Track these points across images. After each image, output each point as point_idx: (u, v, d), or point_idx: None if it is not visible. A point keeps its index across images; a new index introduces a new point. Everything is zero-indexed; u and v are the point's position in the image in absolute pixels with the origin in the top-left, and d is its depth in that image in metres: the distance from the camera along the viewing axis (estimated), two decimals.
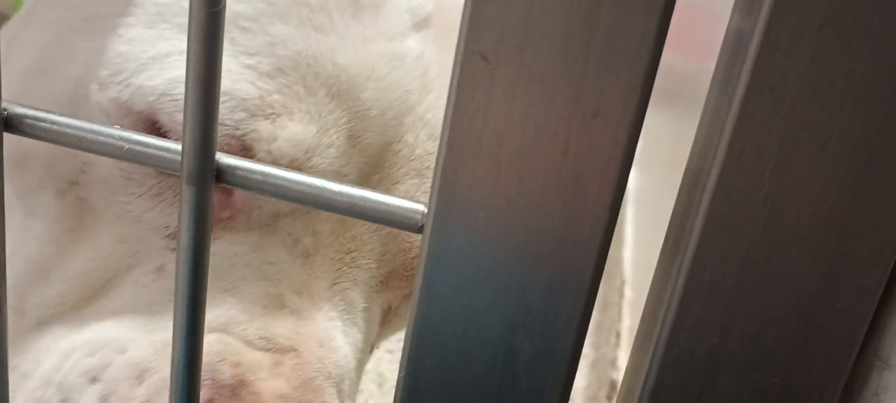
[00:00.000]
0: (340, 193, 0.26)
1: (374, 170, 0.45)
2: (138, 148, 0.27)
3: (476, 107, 0.23)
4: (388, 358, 1.27)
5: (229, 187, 0.43)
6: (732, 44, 0.23)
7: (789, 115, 0.22)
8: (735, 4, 0.24)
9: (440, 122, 0.44)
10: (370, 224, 0.45)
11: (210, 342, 0.40)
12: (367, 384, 1.23)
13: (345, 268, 0.45)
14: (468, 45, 0.22)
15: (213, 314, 0.42)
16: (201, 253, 0.27)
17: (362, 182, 0.44)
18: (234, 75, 0.40)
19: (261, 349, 0.41)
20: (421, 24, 0.46)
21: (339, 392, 0.43)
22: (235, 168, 0.26)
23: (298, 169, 0.42)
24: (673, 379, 0.24)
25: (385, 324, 0.50)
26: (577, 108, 0.22)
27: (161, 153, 0.27)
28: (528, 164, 0.23)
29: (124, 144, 0.27)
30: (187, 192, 0.26)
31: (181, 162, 0.26)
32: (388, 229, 0.45)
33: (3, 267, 0.29)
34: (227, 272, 0.43)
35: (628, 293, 1.13)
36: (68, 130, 0.27)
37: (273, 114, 0.41)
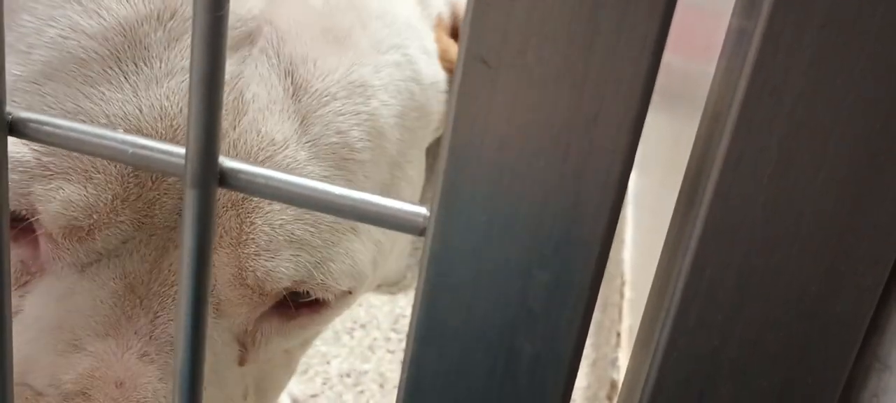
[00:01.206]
0: (342, 197, 0.26)
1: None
2: (142, 152, 0.27)
3: (477, 111, 0.23)
4: (389, 359, 1.28)
5: (37, 241, 0.45)
6: (732, 45, 0.24)
7: (790, 116, 0.22)
8: (735, 5, 0.24)
9: (260, 145, 0.44)
10: None
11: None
12: (369, 384, 1.23)
13: (166, 302, 0.46)
14: (469, 49, 0.22)
15: (16, 366, 0.43)
16: (205, 255, 0.27)
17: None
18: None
19: (47, 396, 0.42)
20: (240, 43, 0.46)
21: None
22: (239, 172, 0.26)
23: (88, 231, 0.43)
24: (673, 381, 0.25)
25: (253, 346, 0.51)
26: (578, 112, 0.22)
27: (165, 157, 0.27)
28: (529, 167, 0.23)
29: (128, 148, 0.27)
30: (191, 196, 0.26)
31: (185, 165, 0.26)
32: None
33: (7, 271, 0.29)
34: (31, 324, 0.45)
35: (628, 293, 1.14)
36: (73, 134, 0.27)
37: (48, 174, 0.42)
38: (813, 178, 0.22)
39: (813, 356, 0.24)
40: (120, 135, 0.27)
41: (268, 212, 0.45)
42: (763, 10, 0.21)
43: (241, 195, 0.44)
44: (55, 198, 0.42)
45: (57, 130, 0.28)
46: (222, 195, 0.44)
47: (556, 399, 0.26)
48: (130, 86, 0.43)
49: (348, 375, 1.22)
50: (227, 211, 0.45)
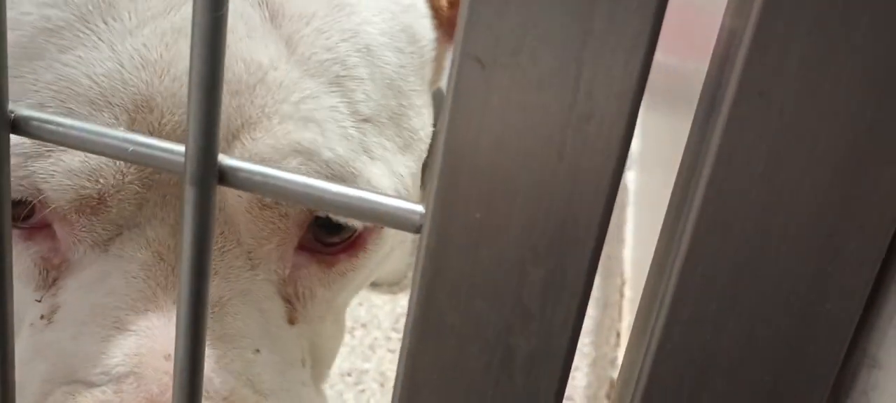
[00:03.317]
0: (339, 194, 0.27)
1: None
2: (143, 150, 0.27)
3: (472, 111, 0.23)
4: (390, 358, 1.28)
5: (53, 233, 0.45)
6: (724, 46, 0.24)
7: (778, 119, 0.22)
8: (727, 7, 0.25)
9: (248, 70, 0.44)
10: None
11: (59, 401, 0.42)
12: (370, 383, 1.24)
13: None
14: (464, 49, 0.23)
15: (62, 366, 0.43)
16: (204, 254, 0.27)
17: None
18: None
19: (100, 385, 0.42)
20: None
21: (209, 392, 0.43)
22: (238, 170, 0.27)
23: (99, 200, 0.43)
24: (667, 373, 0.25)
25: (298, 300, 0.50)
26: (571, 111, 0.23)
27: (165, 155, 0.27)
28: (524, 166, 0.24)
29: (129, 146, 0.27)
30: (191, 193, 0.26)
31: (184, 163, 0.26)
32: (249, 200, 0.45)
33: (9, 272, 0.30)
34: (70, 319, 0.45)
35: (628, 292, 1.14)
36: (74, 132, 0.28)
37: (46, 151, 0.42)
38: (801, 178, 0.22)
39: (804, 352, 0.24)
40: (121, 133, 0.28)
41: (268, 126, 0.44)
42: (752, 13, 0.21)
43: (242, 120, 0.44)
44: (57, 170, 0.42)
45: (59, 128, 0.28)
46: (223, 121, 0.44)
47: (549, 396, 0.26)
48: (105, 43, 0.43)
49: (349, 374, 1.23)
50: (229, 142, 0.44)
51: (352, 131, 0.47)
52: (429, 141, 0.57)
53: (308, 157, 0.45)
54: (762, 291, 0.24)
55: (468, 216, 0.25)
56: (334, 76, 0.46)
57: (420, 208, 0.26)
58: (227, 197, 0.45)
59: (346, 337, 1.32)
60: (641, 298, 0.27)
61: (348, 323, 1.35)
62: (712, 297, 0.24)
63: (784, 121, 0.22)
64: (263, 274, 0.48)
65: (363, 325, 1.34)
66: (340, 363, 1.25)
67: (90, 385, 0.42)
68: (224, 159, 0.27)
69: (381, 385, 1.22)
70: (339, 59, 0.47)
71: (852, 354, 0.25)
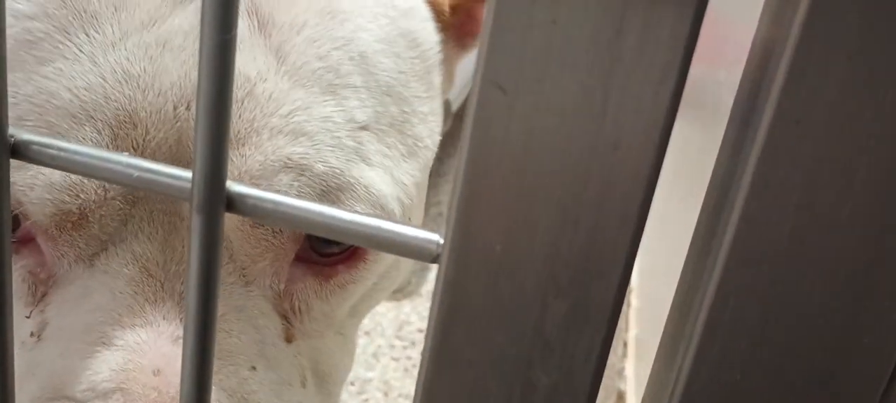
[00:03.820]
0: (352, 222, 0.26)
1: None
2: (148, 176, 0.26)
3: (494, 139, 0.22)
4: (393, 366, 1.27)
5: (39, 246, 0.43)
6: (755, 73, 0.23)
7: (815, 148, 0.21)
8: (758, 30, 0.24)
9: (236, 83, 0.42)
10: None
11: None
12: (373, 392, 1.23)
13: None
14: (486, 75, 0.22)
15: (48, 382, 0.42)
16: (212, 282, 0.26)
17: None
18: None
19: (86, 401, 0.41)
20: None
21: None
22: (246, 196, 0.26)
23: (80, 216, 0.42)
24: None
25: (295, 316, 0.48)
26: (597, 140, 0.22)
27: (171, 181, 0.26)
28: (546, 196, 0.23)
29: (134, 172, 0.26)
30: (197, 221, 0.25)
31: (191, 190, 0.25)
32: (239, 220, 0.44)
33: (8, 284, 0.29)
34: (58, 336, 0.43)
35: (635, 302, 1.13)
36: (76, 157, 0.27)
37: (21, 166, 0.41)
38: (839, 210, 0.21)
39: (839, 389, 0.23)
40: (125, 158, 0.27)
41: (257, 142, 0.43)
42: (788, 41, 0.20)
43: (230, 135, 0.43)
44: (36, 184, 0.41)
45: (60, 153, 0.27)
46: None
47: None
48: (87, 56, 0.42)
49: (353, 383, 1.22)
50: None
51: (347, 140, 0.45)
52: (436, 149, 0.56)
53: (300, 172, 0.43)
54: (795, 327, 0.23)
55: (488, 246, 0.24)
56: (327, 85, 0.45)
57: (437, 237, 0.25)
58: None
59: None
60: (662, 339, 0.26)
61: None
62: (743, 334, 0.23)
63: (820, 151, 0.21)
64: (258, 290, 0.46)
65: (366, 333, 1.33)
66: None
67: (77, 402, 0.41)
68: (232, 186, 0.26)
69: (385, 394, 1.21)
70: (332, 68, 0.45)
71: (890, 391, 0.24)
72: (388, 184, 0.48)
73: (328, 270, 0.49)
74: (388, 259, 0.52)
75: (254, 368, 0.45)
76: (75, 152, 0.27)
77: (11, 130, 0.27)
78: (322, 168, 0.44)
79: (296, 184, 0.43)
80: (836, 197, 0.21)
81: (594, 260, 0.23)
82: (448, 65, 0.58)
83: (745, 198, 0.22)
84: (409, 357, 1.25)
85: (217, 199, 0.25)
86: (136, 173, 0.26)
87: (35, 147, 0.27)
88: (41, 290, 0.45)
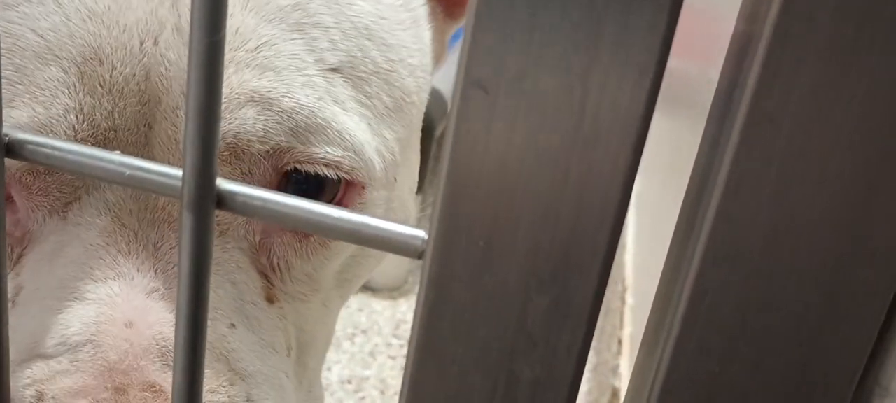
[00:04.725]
0: (340, 219, 0.26)
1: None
2: (139, 174, 0.27)
3: (476, 137, 0.23)
4: (390, 364, 1.28)
5: (16, 205, 0.43)
6: (731, 71, 0.23)
7: (788, 145, 0.22)
8: (735, 27, 0.24)
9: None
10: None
11: (19, 378, 0.40)
12: (370, 390, 1.23)
13: (164, 229, 0.43)
14: (467, 75, 0.22)
15: (23, 343, 0.41)
16: (202, 280, 0.27)
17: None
18: None
19: (57, 356, 0.40)
20: None
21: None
22: (236, 194, 0.26)
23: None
24: None
25: (274, 274, 0.47)
26: (577, 137, 0.22)
27: (161, 179, 0.27)
28: (528, 192, 0.23)
29: (125, 170, 0.27)
30: (187, 219, 0.26)
31: (181, 188, 0.26)
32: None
33: (3, 276, 0.29)
34: (33, 296, 0.43)
35: (630, 299, 1.13)
36: (70, 156, 0.27)
37: None
38: (811, 206, 0.22)
39: (814, 382, 0.24)
40: (117, 156, 0.27)
41: (224, 74, 0.42)
42: (762, 39, 0.21)
43: None
44: (6, 124, 0.41)
45: (55, 151, 0.28)
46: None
47: None
48: None
49: (349, 381, 1.22)
50: (181, 94, 0.42)
51: (317, 79, 0.44)
52: (424, 108, 0.54)
53: (266, 106, 0.42)
54: (771, 321, 0.23)
55: (471, 243, 0.24)
56: (295, 23, 0.44)
57: (422, 233, 0.25)
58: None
59: (346, 344, 1.31)
60: (646, 328, 0.27)
61: (348, 329, 1.35)
62: (720, 327, 0.23)
63: (794, 147, 0.22)
64: (233, 240, 0.45)
65: (363, 332, 1.33)
66: (340, 370, 1.25)
67: (49, 358, 0.41)
68: (222, 183, 0.26)
69: (382, 392, 1.21)
70: (300, 6, 0.44)
71: (864, 384, 0.24)
72: (364, 131, 0.46)
73: None
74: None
75: (233, 325, 0.44)
76: (69, 151, 0.27)
77: (6, 130, 0.27)
78: (290, 103, 0.43)
79: (262, 118, 0.42)
80: (810, 192, 0.22)
81: (575, 255, 0.24)
82: (439, 35, 0.57)
83: (721, 193, 0.22)
84: (405, 356, 1.26)
85: (207, 197, 0.26)
86: (128, 171, 0.27)
87: (30, 146, 0.28)
88: (17, 252, 0.45)
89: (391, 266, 1.43)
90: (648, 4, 0.21)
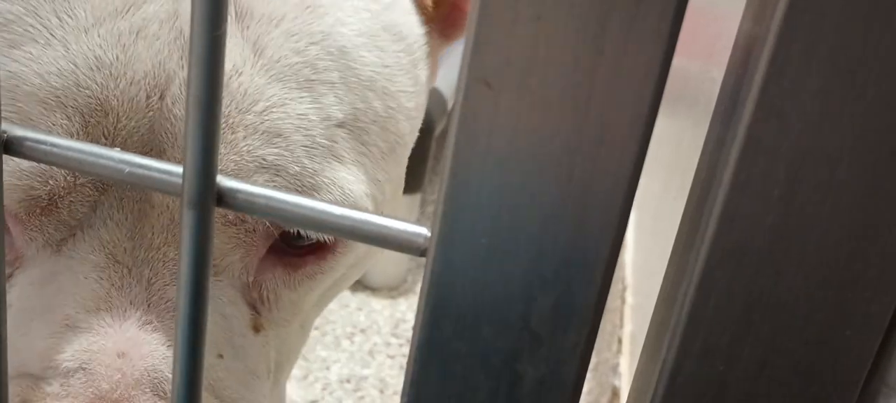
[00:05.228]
0: (343, 217, 0.26)
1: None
2: (139, 171, 0.27)
3: (479, 134, 0.22)
4: (389, 364, 1.27)
5: (9, 227, 0.43)
6: (737, 68, 0.23)
7: (796, 143, 0.21)
8: (742, 23, 0.24)
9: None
10: (167, 210, 0.44)
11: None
12: (369, 390, 1.23)
13: (158, 266, 0.43)
14: (472, 71, 0.22)
15: (11, 365, 0.41)
16: (203, 278, 0.26)
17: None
18: None
19: (47, 378, 0.40)
20: None
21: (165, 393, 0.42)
22: (237, 191, 0.26)
23: (49, 201, 0.41)
24: None
25: (263, 305, 0.48)
26: (581, 135, 0.22)
27: (162, 176, 0.26)
28: (532, 190, 0.23)
29: (125, 167, 0.27)
30: (188, 217, 0.26)
31: (182, 185, 0.26)
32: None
33: (2, 274, 0.29)
34: (20, 315, 0.43)
35: (630, 298, 1.13)
36: (69, 153, 0.27)
37: None
38: (819, 204, 0.22)
39: (820, 382, 0.23)
40: (117, 153, 0.27)
41: (232, 140, 0.42)
42: (769, 36, 0.20)
43: None
44: (5, 169, 0.40)
45: (53, 149, 0.27)
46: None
47: None
48: (59, 40, 0.41)
49: (348, 380, 1.22)
50: None
51: (321, 139, 0.45)
52: (412, 144, 0.55)
53: (275, 173, 0.43)
54: (777, 320, 0.23)
55: (474, 239, 0.24)
56: (304, 80, 0.44)
57: (425, 231, 0.25)
58: None
59: (345, 343, 1.31)
60: (649, 328, 0.27)
61: (347, 328, 1.34)
62: (725, 328, 0.23)
63: (802, 145, 0.21)
64: (226, 279, 0.46)
65: (362, 331, 1.33)
66: (339, 369, 1.24)
67: (37, 379, 0.41)
68: (223, 181, 0.26)
69: (381, 391, 1.21)
70: (310, 63, 0.45)
71: (871, 382, 0.24)
72: (362, 182, 0.47)
73: (297, 260, 0.48)
74: (359, 250, 0.51)
75: (221, 356, 0.45)
76: (68, 148, 0.27)
77: (4, 126, 0.27)
78: (296, 169, 0.44)
79: (271, 184, 0.43)
80: (817, 190, 0.22)
81: (579, 253, 0.23)
82: (433, 56, 0.57)
83: (727, 191, 0.22)
84: (404, 355, 1.26)
85: (208, 194, 0.26)
86: (128, 169, 0.27)
87: (29, 143, 0.27)
88: (7, 272, 0.45)
89: (390, 265, 1.42)
90: (654, 0, 0.21)
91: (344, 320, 1.34)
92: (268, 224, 0.45)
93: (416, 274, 1.43)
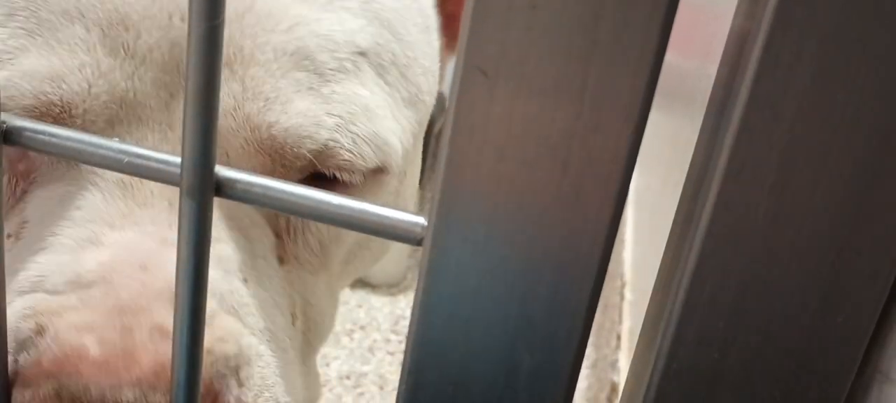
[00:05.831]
0: (341, 206, 0.26)
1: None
2: (138, 161, 0.27)
3: (476, 122, 0.23)
4: (389, 360, 1.27)
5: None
6: (732, 59, 0.23)
7: (789, 131, 0.21)
8: (735, 18, 0.24)
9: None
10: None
11: (17, 309, 0.39)
12: (369, 386, 1.23)
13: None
14: (468, 59, 0.22)
15: (27, 278, 0.41)
16: (201, 266, 0.27)
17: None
18: None
19: (66, 292, 0.40)
20: None
21: None
22: (235, 181, 0.26)
23: (62, 108, 0.41)
24: (674, 393, 0.24)
25: (288, 236, 0.48)
26: (577, 123, 0.22)
27: (160, 166, 0.27)
28: (528, 179, 0.23)
29: (124, 157, 0.27)
30: (187, 206, 0.26)
31: (180, 175, 0.26)
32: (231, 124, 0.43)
33: (2, 269, 0.29)
34: (38, 232, 0.42)
35: (629, 295, 1.13)
36: (68, 143, 0.27)
37: (9, 59, 0.40)
38: (812, 192, 0.22)
39: (814, 368, 0.24)
40: (116, 143, 0.27)
41: (263, 61, 0.42)
42: (762, 25, 0.21)
43: (233, 48, 0.42)
44: (14, 74, 0.40)
45: (52, 138, 0.28)
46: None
47: None
48: None
49: (348, 377, 1.22)
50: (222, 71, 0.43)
51: (347, 64, 0.45)
52: (432, 107, 0.55)
53: (312, 101, 0.43)
54: (771, 307, 0.23)
55: (471, 228, 0.24)
56: (326, 2, 0.45)
57: (422, 220, 0.25)
58: (221, 131, 0.43)
59: (345, 340, 1.31)
60: (646, 316, 0.27)
61: (347, 325, 1.34)
62: (720, 315, 0.23)
63: (795, 133, 0.21)
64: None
65: (362, 328, 1.33)
66: (339, 366, 1.25)
67: (54, 293, 0.40)
68: (221, 170, 0.26)
69: (381, 387, 1.21)
70: None
71: (864, 370, 0.24)
72: (389, 118, 0.47)
73: None
74: (388, 196, 0.51)
75: (245, 280, 0.44)
76: (67, 138, 0.27)
77: (4, 116, 0.27)
78: (327, 92, 0.44)
79: (312, 112, 0.43)
80: (810, 179, 0.22)
81: (575, 241, 0.23)
82: (442, 68, 0.58)
83: (720, 181, 0.22)
84: (402, 361, 1.26)
85: (206, 184, 0.26)
86: (127, 158, 0.27)
87: (28, 133, 0.28)
88: (21, 187, 0.44)
89: (390, 262, 1.43)
90: None
91: (344, 317, 1.34)
92: (307, 158, 0.44)
93: (415, 271, 1.43)
